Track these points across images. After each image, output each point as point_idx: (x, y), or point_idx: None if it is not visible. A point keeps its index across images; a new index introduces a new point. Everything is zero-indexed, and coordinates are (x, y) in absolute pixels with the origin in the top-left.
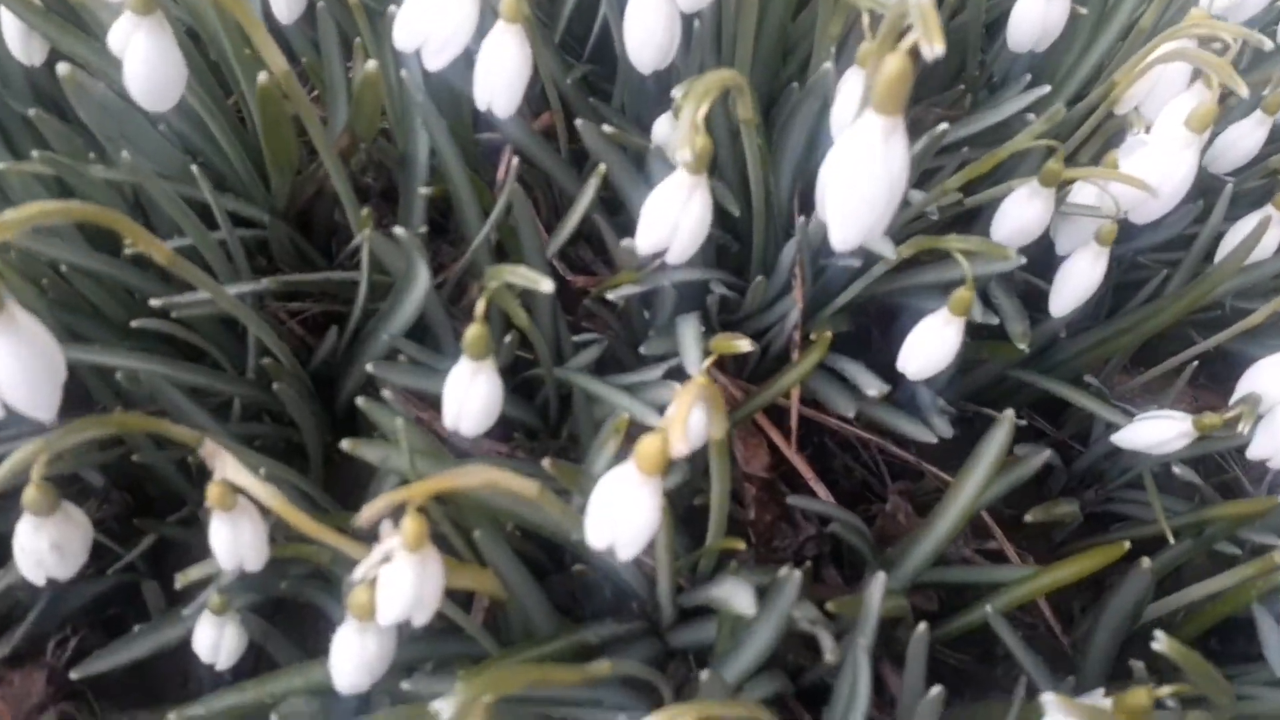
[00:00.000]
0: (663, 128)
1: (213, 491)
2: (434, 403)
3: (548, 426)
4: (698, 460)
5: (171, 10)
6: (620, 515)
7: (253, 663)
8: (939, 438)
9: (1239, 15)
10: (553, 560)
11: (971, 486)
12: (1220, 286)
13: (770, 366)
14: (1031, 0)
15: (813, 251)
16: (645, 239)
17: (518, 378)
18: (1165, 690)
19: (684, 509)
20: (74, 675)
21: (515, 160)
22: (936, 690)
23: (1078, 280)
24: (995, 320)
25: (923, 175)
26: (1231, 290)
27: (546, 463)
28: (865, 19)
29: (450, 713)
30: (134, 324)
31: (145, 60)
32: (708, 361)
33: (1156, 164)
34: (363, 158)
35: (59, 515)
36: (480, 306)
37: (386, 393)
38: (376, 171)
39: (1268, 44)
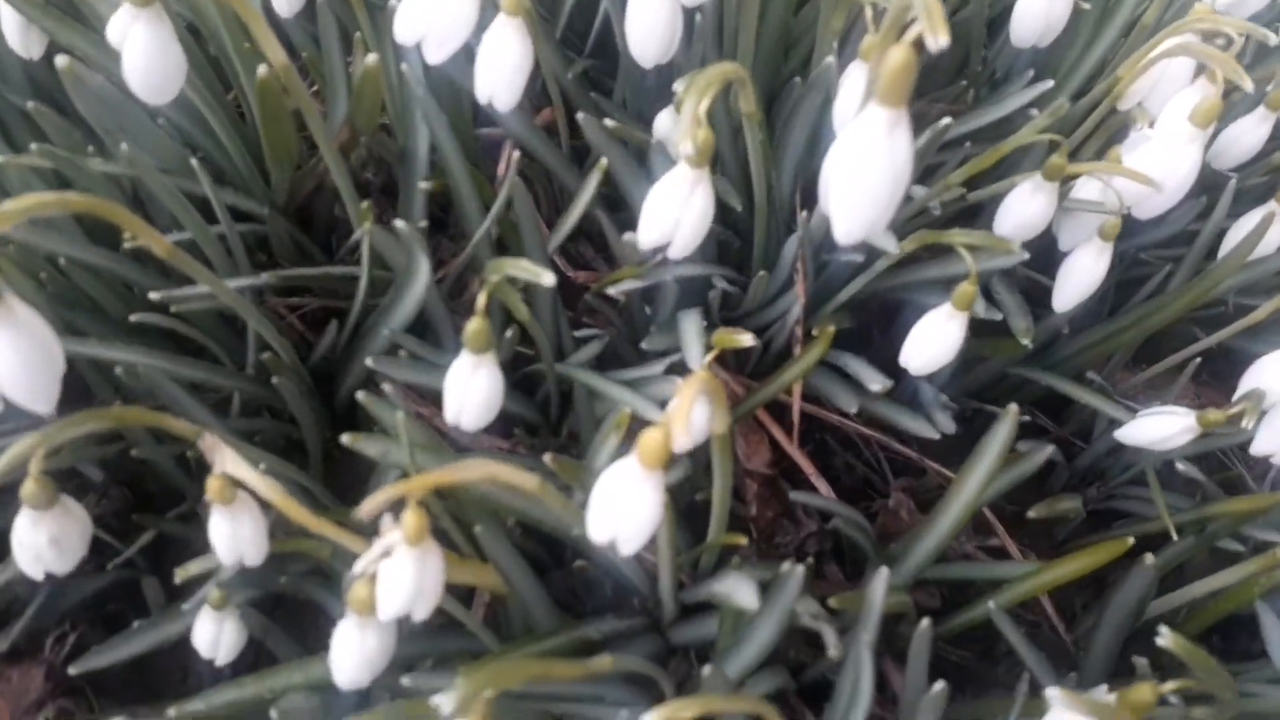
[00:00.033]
0: (664, 122)
1: (212, 485)
2: (434, 399)
3: (548, 423)
4: (698, 457)
5: (171, 5)
6: (622, 509)
7: (252, 659)
8: (941, 435)
9: (1242, 11)
10: (553, 557)
11: (974, 482)
12: (1223, 283)
13: (772, 363)
14: None
15: (815, 247)
16: (647, 233)
17: (518, 374)
18: (1169, 685)
19: (685, 505)
20: (73, 671)
21: (516, 154)
22: (940, 686)
23: (1081, 275)
24: (998, 316)
25: (925, 171)
26: (1234, 287)
27: (548, 458)
28: (868, 13)
29: (451, 707)
30: (133, 318)
31: (144, 52)
32: (710, 355)
33: (1160, 159)
34: (363, 153)
35: (57, 509)
36: (481, 300)
37: (387, 387)
38: (376, 167)
39: (1272, 39)
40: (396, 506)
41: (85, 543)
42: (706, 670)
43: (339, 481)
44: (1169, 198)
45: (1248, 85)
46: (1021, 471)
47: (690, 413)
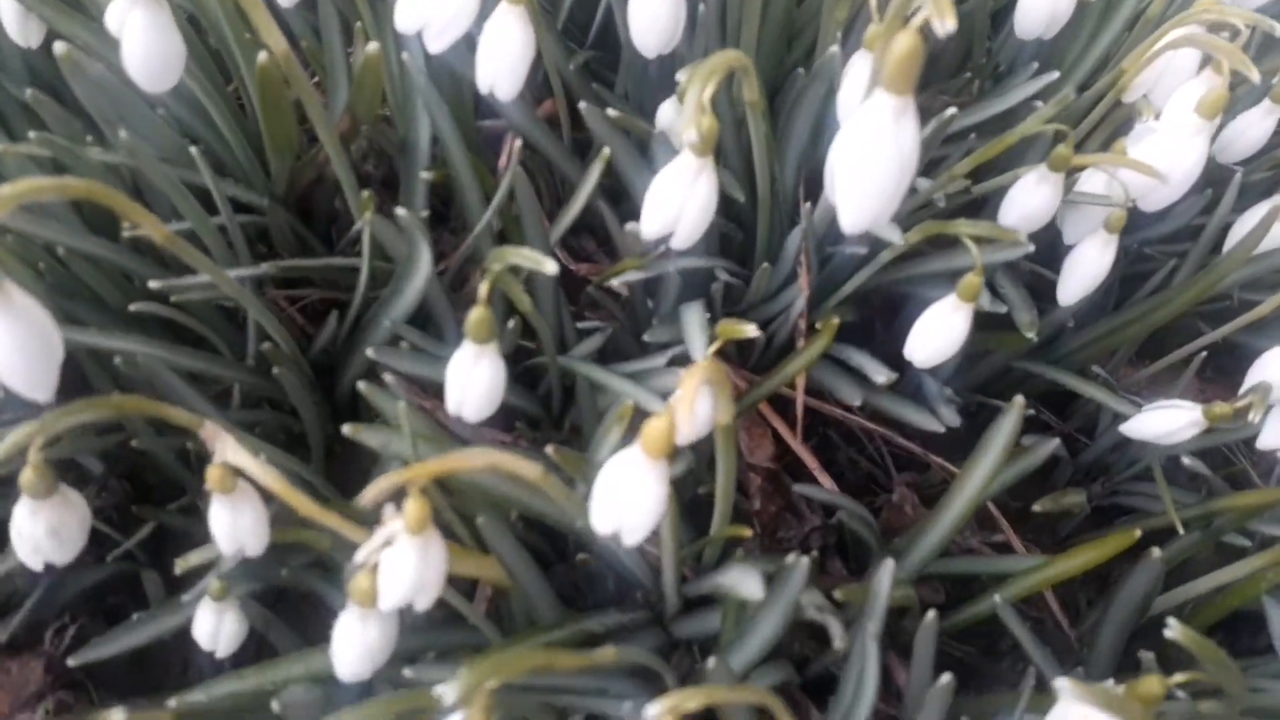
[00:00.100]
0: (667, 113)
1: (212, 474)
2: (436, 391)
3: (550, 416)
4: (701, 450)
5: None
6: (626, 499)
7: (254, 651)
8: (945, 429)
9: (1248, 3)
10: (556, 550)
11: (979, 476)
12: (1228, 277)
13: (775, 357)
14: None
15: (818, 239)
16: (650, 223)
17: (520, 367)
18: (1178, 678)
19: (688, 499)
20: (72, 663)
21: (518, 144)
22: (946, 679)
23: (1086, 268)
24: (1002, 310)
25: (929, 163)
26: (1239, 281)
27: (550, 450)
28: (873, 2)
29: (454, 698)
30: (132, 308)
31: (143, 38)
32: (714, 346)
33: (1166, 151)
34: (363, 144)
35: (56, 499)
36: (484, 289)
37: (388, 378)
38: (377, 159)
39: (1278, 29)
40: (398, 497)
41: (84, 533)
42: (710, 663)
43: (340, 476)
44: (1174, 190)
45: (1255, 76)
46: (1026, 466)
47: (695, 400)
